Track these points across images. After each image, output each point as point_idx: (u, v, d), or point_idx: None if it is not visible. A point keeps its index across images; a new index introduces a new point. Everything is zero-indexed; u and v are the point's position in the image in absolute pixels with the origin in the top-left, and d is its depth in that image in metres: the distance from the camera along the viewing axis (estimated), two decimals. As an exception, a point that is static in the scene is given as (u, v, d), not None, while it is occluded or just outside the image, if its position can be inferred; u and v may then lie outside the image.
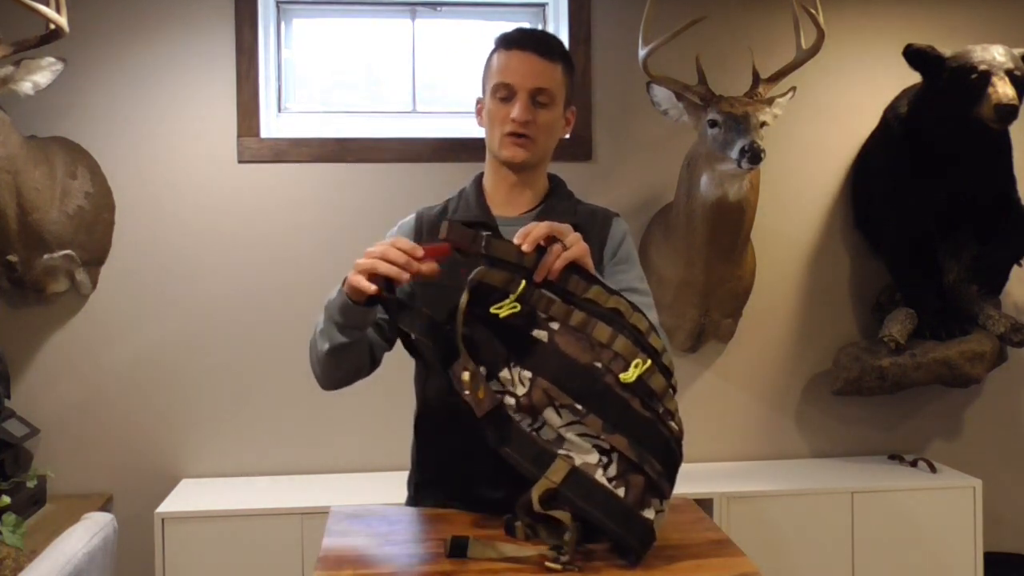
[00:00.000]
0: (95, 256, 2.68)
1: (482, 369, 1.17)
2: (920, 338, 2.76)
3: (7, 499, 2.15)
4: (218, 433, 2.75)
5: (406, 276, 1.23)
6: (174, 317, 2.73)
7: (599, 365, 1.16)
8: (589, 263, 1.23)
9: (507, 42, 1.51)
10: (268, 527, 2.42)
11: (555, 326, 1.18)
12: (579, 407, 1.15)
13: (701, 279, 2.69)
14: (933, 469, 2.77)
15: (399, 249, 1.23)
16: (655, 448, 1.15)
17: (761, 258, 2.88)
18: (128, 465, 2.71)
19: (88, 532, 1.49)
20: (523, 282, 1.18)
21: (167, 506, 2.45)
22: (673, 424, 1.18)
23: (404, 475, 1.61)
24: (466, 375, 1.14)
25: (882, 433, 3.00)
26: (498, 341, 1.18)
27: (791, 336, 2.97)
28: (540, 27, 2.96)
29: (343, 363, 1.45)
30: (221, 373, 2.74)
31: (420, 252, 1.24)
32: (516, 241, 1.21)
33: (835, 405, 2.97)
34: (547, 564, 1.12)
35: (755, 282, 2.87)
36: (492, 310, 1.17)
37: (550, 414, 1.16)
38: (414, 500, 1.55)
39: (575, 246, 1.21)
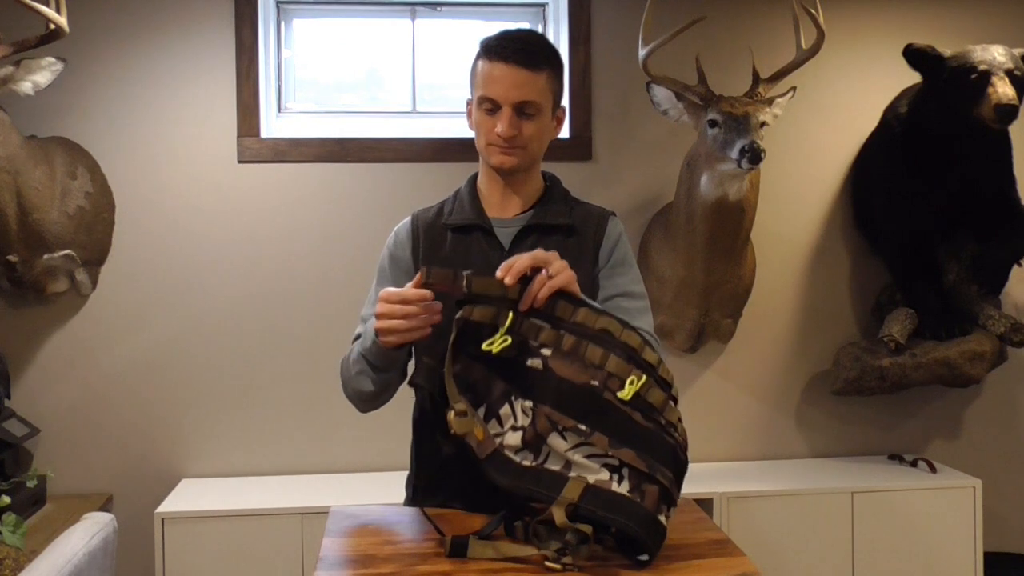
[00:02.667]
0: (95, 256, 2.68)
1: (481, 410, 1.17)
2: (920, 338, 2.76)
3: (7, 499, 2.14)
4: (218, 433, 2.75)
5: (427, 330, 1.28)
6: (174, 317, 2.73)
7: (596, 383, 1.16)
8: (575, 289, 1.22)
9: (489, 52, 1.47)
10: (268, 527, 2.42)
11: (547, 352, 1.18)
12: (583, 427, 1.15)
13: (701, 279, 2.69)
14: (933, 469, 2.77)
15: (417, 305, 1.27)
16: (663, 457, 1.15)
17: (761, 258, 2.88)
18: (128, 465, 2.71)
19: (88, 532, 1.49)
20: (510, 314, 1.18)
21: (167, 506, 2.45)
22: (677, 433, 1.18)
23: (404, 475, 1.61)
24: (451, 415, 1.15)
25: (882, 433, 3.00)
26: (496, 377, 1.19)
27: (791, 336, 2.97)
28: (540, 28, 2.97)
29: (384, 395, 1.52)
30: (221, 373, 2.74)
31: (432, 299, 1.28)
32: (499, 275, 1.20)
33: (835, 405, 2.97)
34: (547, 564, 1.12)
35: (755, 282, 2.86)
36: (484, 347, 1.18)
37: (555, 440, 1.16)
38: (413, 501, 1.55)
39: (560, 274, 1.20)
